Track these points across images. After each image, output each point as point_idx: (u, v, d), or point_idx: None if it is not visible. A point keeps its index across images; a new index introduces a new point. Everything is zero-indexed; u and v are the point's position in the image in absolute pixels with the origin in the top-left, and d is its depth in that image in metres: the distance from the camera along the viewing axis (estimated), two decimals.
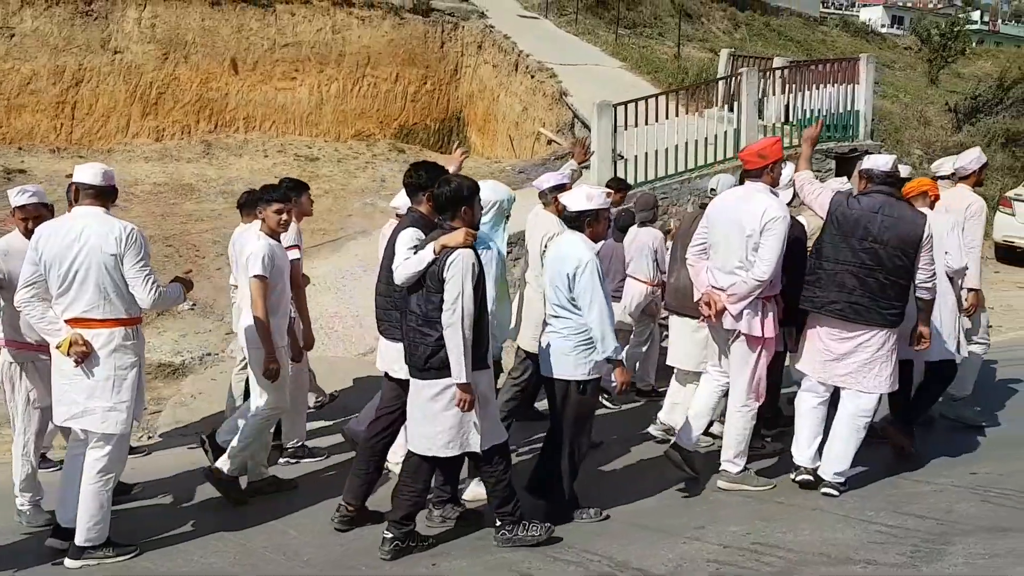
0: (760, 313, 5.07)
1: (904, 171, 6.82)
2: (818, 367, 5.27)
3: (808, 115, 11.78)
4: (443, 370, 4.34)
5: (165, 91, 18.12)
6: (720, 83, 12.99)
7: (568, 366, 4.77)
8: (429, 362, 4.36)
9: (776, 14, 35.27)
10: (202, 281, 8.58)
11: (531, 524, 4.60)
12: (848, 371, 5.17)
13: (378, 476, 5.05)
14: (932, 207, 5.97)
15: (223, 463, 5.28)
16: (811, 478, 5.26)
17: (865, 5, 69.62)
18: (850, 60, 11.75)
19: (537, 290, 5.73)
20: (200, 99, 18.36)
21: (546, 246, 5.55)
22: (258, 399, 5.29)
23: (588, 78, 15.02)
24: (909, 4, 70.40)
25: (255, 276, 5.11)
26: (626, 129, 10.25)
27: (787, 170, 5.73)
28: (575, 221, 4.79)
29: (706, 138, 10.68)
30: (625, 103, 10.14)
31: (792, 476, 5.38)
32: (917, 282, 5.10)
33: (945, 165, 7.23)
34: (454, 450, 4.46)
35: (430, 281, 4.30)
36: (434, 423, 4.44)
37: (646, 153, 10.53)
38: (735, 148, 10.83)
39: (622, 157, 11.20)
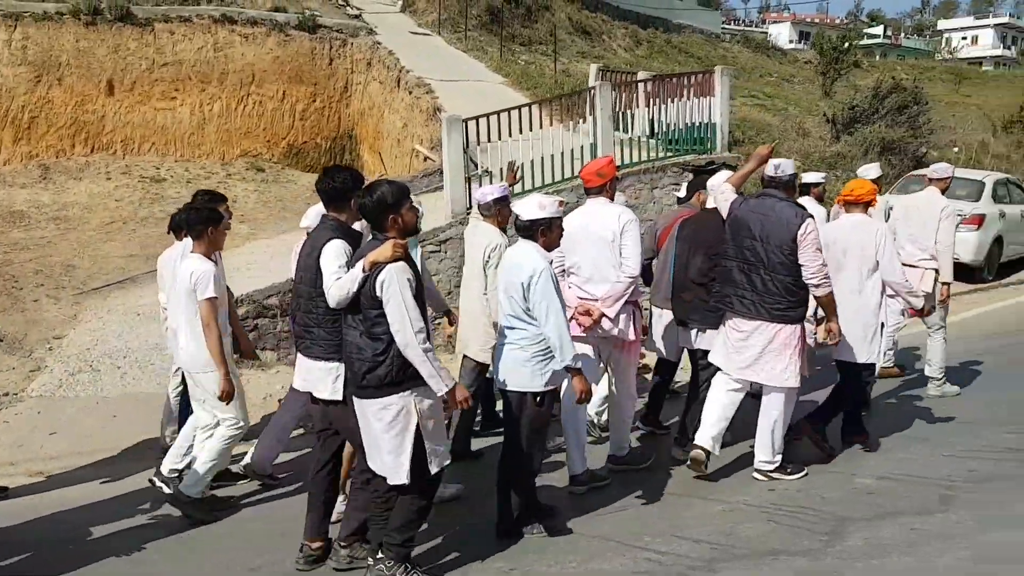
0: (632, 318, 5.40)
1: (872, 171, 7.83)
2: (724, 358, 5.54)
3: (669, 128, 11.69)
4: (380, 388, 4.04)
5: (38, 115, 17.38)
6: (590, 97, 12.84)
7: (524, 377, 4.62)
8: (366, 379, 4.05)
9: (678, 31, 35.74)
10: (15, 315, 8.04)
11: (413, 570, 4.20)
12: (746, 364, 5.39)
13: (333, 506, 4.75)
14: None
15: (187, 488, 5.17)
16: (702, 454, 5.43)
17: (775, 22, 71.21)
18: (705, 73, 11.67)
19: (477, 300, 5.71)
20: (75, 122, 17.68)
21: (489, 257, 5.59)
22: (221, 418, 5.19)
23: (466, 94, 14.77)
24: (817, 20, 72.13)
25: (208, 299, 4.99)
26: (479, 144, 9.99)
27: (721, 176, 6.09)
28: (528, 230, 4.68)
29: (562, 153, 10.46)
30: (476, 117, 9.86)
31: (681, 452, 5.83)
32: (804, 279, 5.23)
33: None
34: (396, 477, 4.10)
35: (363, 298, 4.01)
36: (376, 445, 4.14)
37: (501, 169, 10.27)
38: None
39: (488, 172, 10.95)
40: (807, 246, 5.17)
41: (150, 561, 4.73)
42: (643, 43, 32.10)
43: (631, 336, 5.40)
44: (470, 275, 5.91)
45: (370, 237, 4.26)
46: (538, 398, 4.63)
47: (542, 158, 10.35)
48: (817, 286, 5.24)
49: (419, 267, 4.37)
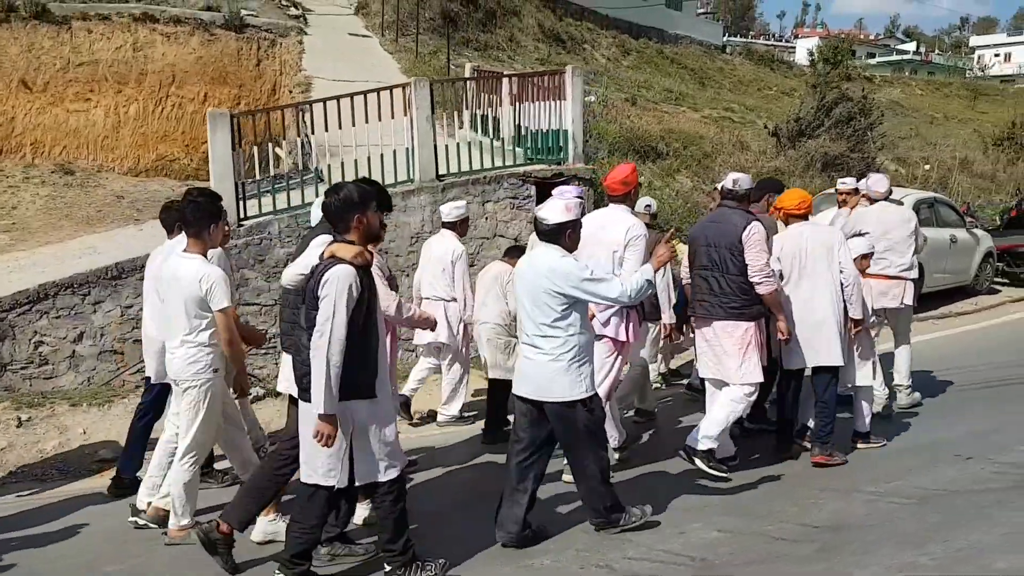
0: (625, 320, 5.38)
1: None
2: (701, 366, 5.78)
3: (525, 133, 10.20)
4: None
5: None
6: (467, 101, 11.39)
7: (566, 387, 4.46)
8: (303, 382, 3.97)
9: (674, 42, 34.07)
10: None
11: (425, 563, 4.17)
12: (712, 363, 5.58)
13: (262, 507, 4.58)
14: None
15: (177, 520, 4.75)
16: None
17: (806, 37, 68.97)
18: (555, 74, 10.07)
19: None
20: None
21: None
22: (184, 438, 4.76)
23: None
24: (850, 35, 69.70)
25: (222, 309, 4.61)
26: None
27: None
28: (554, 234, 4.52)
29: (380, 156, 9.00)
30: (253, 112, 8.57)
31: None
32: (749, 278, 5.38)
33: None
34: (333, 479, 4.00)
35: (309, 296, 3.92)
36: (314, 448, 3.97)
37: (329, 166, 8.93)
38: (408, 168, 9.19)
39: (319, 176, 9.67)
40: (751, 246, 5.37)
41: None
42: (631, 52, 30.56)
43: (622, 337, 5.40)
44: None
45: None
46: (586, 405, 4.49)
47: (382, 156, 8.96)
48: (759, 284, 5.39)
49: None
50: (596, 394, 4.60)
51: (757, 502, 5.11)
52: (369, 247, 4.15)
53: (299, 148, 12.25)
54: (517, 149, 10.33)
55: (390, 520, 4.13)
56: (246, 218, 8.42)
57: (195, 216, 4.68)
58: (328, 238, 4.15)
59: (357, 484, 4.07)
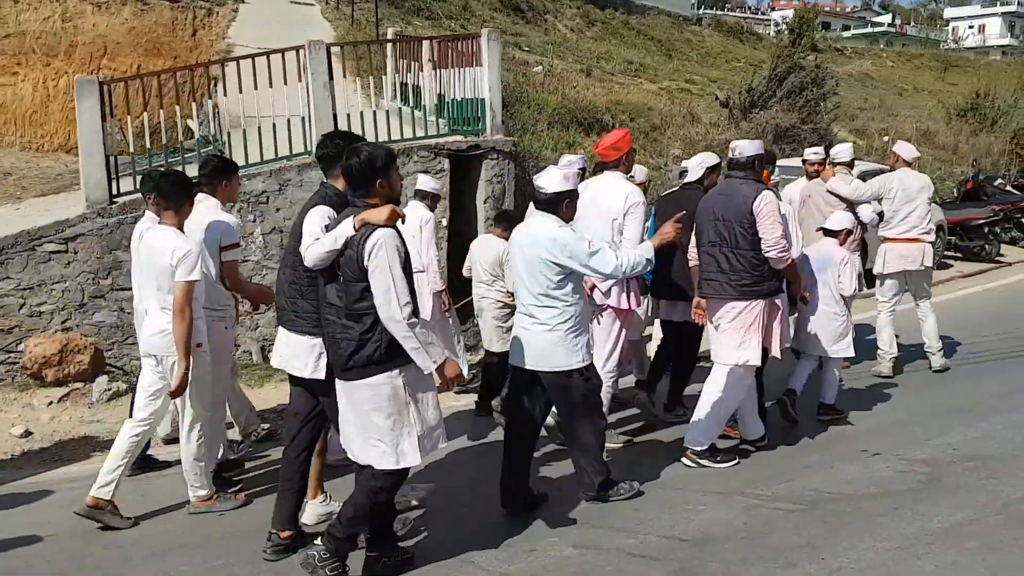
0: (625, 289, 5.29)
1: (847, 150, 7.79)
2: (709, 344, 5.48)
3: (445, 102, 9.52)
4: (367, 368, 3.67)
5: None
6: (388, 68, 10.68)
7: (561, 357, 4.41)
8: (352, 360, 3.67)
9: (642, 13, 33.29)
10: None
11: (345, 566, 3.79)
12: (714, 342, 5.31)
13: (304, 495, 4.36)
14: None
15: (195, 491, 4.74)
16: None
17: (781, 9, 68.28)
18: (470, 38, 9.33)
19: None
20: None
21: None
22: (192, 408, 4.67)
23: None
24: (827, 8, 69.00)
25: (188, 282, 4.42)
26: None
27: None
28: (552, 203, 4.45)
29: (273, 126, 8.33)
30: (126, 79, 7.92)
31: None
32: (762, 251, 5.06)
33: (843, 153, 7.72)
34: (388, 462, 3.71)
35: (347, 269, 3.65)
36: (366, 429, 3.72)
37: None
38: (304, 140, 8.48)
39: (215, 147, 9.09)
40: (763, 218, 5.03)
41: None
42: (596, 23, 29.80)
43: (623, 305, 5.33)
44: None
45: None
46: (582, 373, 4.44)
47: (273, 126, 8.35)
48: (774, 258, 5.10)
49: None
50: (592, 363, 4.57)
51: (629, 510, 4.53)
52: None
53: (208, 118, 11.55)
54: (431, 119, 9.63)
55: (367, 510, 3.77)
56: (119, 195, 7.73)
57: (169, 189, 4.63)
58: (326, 208, 3.94)
59: (419, 460, 3.76)
